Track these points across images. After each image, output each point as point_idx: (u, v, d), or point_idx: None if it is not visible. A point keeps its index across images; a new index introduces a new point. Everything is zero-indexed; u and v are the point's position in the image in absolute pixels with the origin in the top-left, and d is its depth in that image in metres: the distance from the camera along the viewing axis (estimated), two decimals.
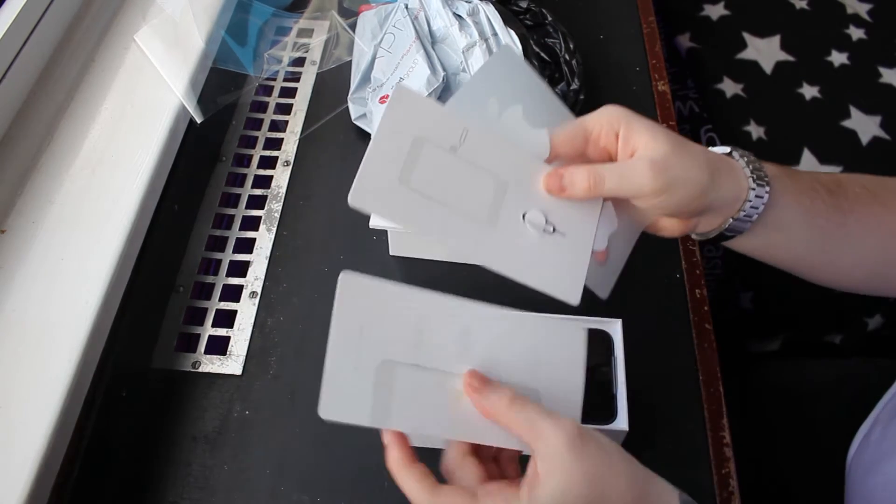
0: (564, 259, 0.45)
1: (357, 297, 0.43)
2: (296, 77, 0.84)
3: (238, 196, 0.73)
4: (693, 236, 0.49)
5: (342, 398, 0.40)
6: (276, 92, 0.83)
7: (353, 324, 0.42)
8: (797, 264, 0.52)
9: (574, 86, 0.75)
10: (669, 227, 0.48)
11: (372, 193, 0.41)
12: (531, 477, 0.39)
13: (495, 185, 0.44)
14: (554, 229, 0.45)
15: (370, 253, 0.68)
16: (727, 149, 0.48)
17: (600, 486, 0.38)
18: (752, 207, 0.45)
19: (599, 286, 0.51)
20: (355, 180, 0.41)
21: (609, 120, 0.44)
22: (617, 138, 0.44)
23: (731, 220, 0.46)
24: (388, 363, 0.41)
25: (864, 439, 0.62)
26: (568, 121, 0.47)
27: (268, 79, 0.82)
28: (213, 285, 0.67)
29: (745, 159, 0.46)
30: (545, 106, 0.48)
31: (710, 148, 0.47)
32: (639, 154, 0.43)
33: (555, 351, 0.44)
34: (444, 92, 0.75)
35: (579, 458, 0.38)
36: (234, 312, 0.65)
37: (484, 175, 0.44)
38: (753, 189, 0.45)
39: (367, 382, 0.41)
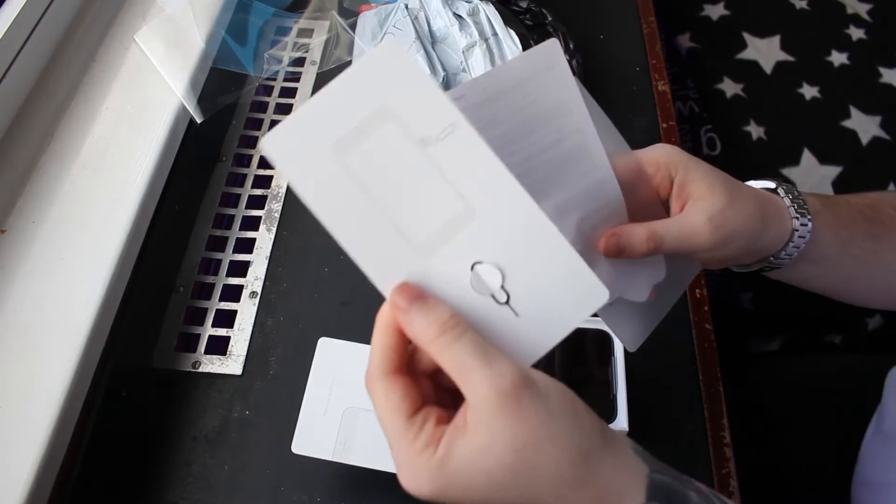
0: (505, 343, 0.34)
1: (331, 357, 0.54)
2: (296, 77, 0.84)
3: (238, 196, 0.73)
4: (732, 269, 0.50)
5: (311, 438, 0.51)
6: (276, 92, 0.83)
7: (325, 379, 0.53)
8: (829, 290, 0.52)
9: None
10: (710, 265, 0.48)
11: (292, 147, 0.32)
12: (457, 425, 0.32)
13: (458, 209, 0.33)
14: (508, 300, 0.34)
15: None
16: (771, 184, 0.48)
17: (531, 456, 0.31)
18: (793, 247, 0.45)
19: (630, 337, 0.49)
20: (281, 122, 0.32)
21: (667, 163, 0.43)
22: (671, 182, 0.44)
23: (771, 258, 0.46)
24: (352, 409, 0.52)
25: (868, 465, 0.61)
26: (621, 149, 0.45)
27: (268, 79, 0.82)
28: (213, 285, 0.67)
29: (790, 196, 0.46)
30: (602, 128, 0.44)
31: (753, 183, 0.47)
32: (695, 206, 0.43)
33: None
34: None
35: (509, 418, 0.31)
36: (234, 312, 0.65)
37: (448, 191, 0.33)
38: (797, 230, 0.45)
39: (333, 425, 0.52)
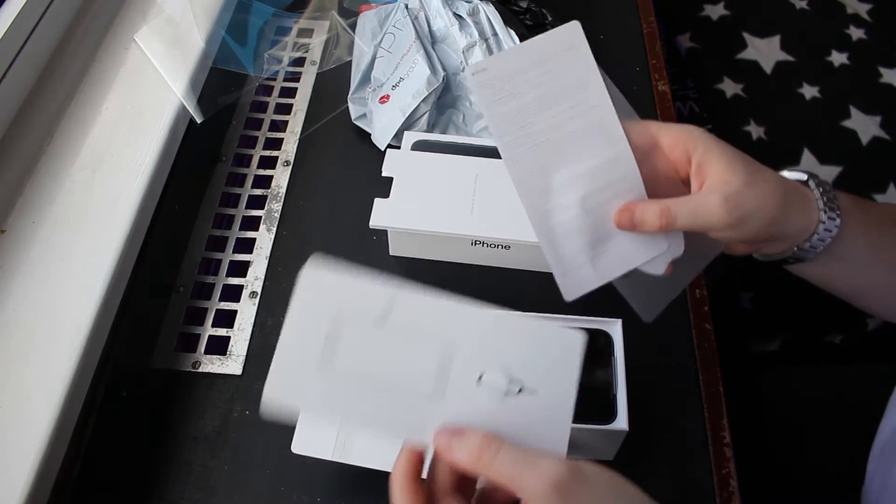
0: (539, 421, 0.38)
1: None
2: (296, 77, 0.84)
3: (238, 196, 0.73)
4: (756, 256, 0.49)
5: (311, 437, 0.44)
6: (276, 92, 0.83)
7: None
8: (856, 295, 0.51)
9: None
10: (733, 248, 0.48)
11: (289, 390, 0.37)
12: None
13: (439, 349, 0.38)
14: (521, 389, 0.38)
15: (370, 253, 0.68)
16: (804, 176, 0.48)
17: None
18: (818, 239, 0.45)
19: (647, 308, 0.50)
20: (268, 377, 0.37)
21: (687, 139, 0.44)
22: (689, 160, 0.44)
23: (796, 248, 0.46)
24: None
25: (886, 474, 0.60)
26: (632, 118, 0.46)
27: (268, 79, 0.82)
28: (213, 285, 0.67)
29: (821, 189, 0.46)
30: (620, 108, 0.46)
31: (787, 173, 0.47)
32: (711, 186, 0.43)
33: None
34: (444, 92, 0.75)
35: (568, 501, 0.33)
36: (234, 312, 0.65)
37: (423, 341, 0.38)
38: (823, 222, 0.45)
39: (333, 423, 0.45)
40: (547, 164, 0.43)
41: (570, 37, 0.44)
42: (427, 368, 0.38)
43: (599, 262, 0.45)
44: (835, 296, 0.53)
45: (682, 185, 0.46)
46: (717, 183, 0.43)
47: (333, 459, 0.50)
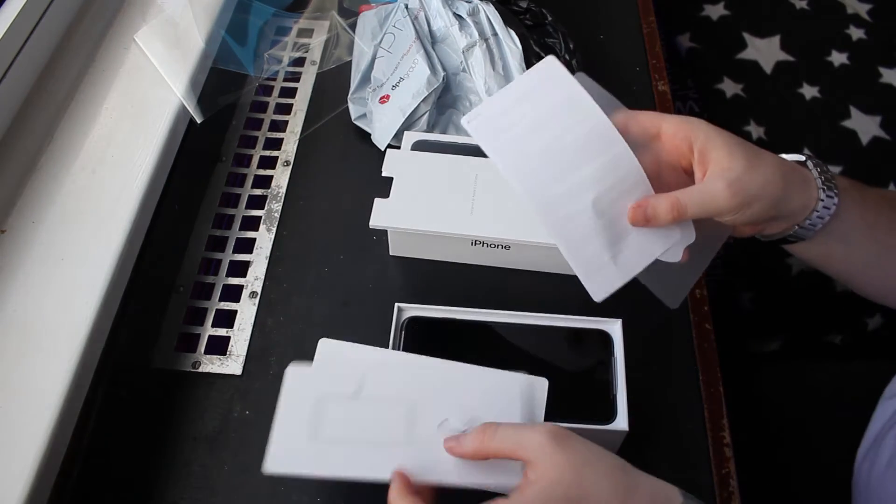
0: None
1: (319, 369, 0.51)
2: (296, 77, 0.84)
3: (238, 196, 0.73)
4: (758, 237, 0.51)
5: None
6: (276, 92, 0.83)
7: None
8: (853, 276, 0.53)
9: None
10: (740, 231, 0.50)
11: (288, 458, 0.45)
12: (521, 485, 0.40)
13: (406, 407, 0.46)
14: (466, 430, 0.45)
15: (370, 253, 0.68)
16: (801, 157, 0.50)
17: (589, 473, 0.39)
18: (818, 217, 0.47)
19: (670, 295, 0.53)
20: (268, 450, 0.45)
21: (688, 128, 0.46)
22: (691, 149, 0.46)
23: (796, 226, 0.48)
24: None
25: (874, 444, 0.61)
26: (619, 108, 0.48)
27: (268, 79, 0.82)
28: (213, 285, 0.67)
29: (819, 169, 0.48)
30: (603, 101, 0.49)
31: (785, 155, 0.49)
32: (714, 173, 0.45)
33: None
34: (444, 92, 0.75)
35: (564, 450, 0.39)
36: (234, 312, 0.65)
37: (393, 402, 0.46)
38: (822, 200, 0.47)
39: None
40: (552, 176, 0.46)
41: (547, 69, 0.47)
42: (397, 423, 0.46)
43: (620, 259, 0.47)
44: (834, 296, 0.53)
45: (684, 174, 0.48)
46: (720, 170, 0.45)
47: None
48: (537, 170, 0.46)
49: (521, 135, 0.46)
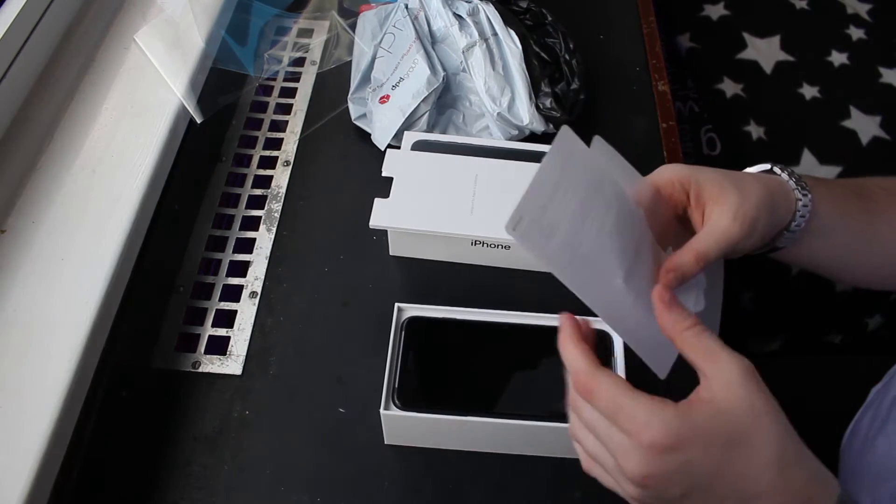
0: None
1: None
2: (296, 77, 0.84)
3: (238, 196, 0.73)
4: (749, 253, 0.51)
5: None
6: (276, 92, 0.83)
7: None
8: (835, 267, 0.55)
9: (574, 86, 0.75)
10: (736, 254, 0.50)
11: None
12: (690, 400, 0.39)
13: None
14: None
15: (370, 253, 0.68)
16: (767, 166, 0.51)
17: (767, 424, 0.37)
18: (801, 217, 0.48)
19: (661, 367, 0.50)
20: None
21: (679, 179, 0.47)
22: (687, 195, 0.47)
23: (785, 232, 0.49)
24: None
25: (855, 424, 0.63)
26: (636, 178, 0.48)
27: (268, 79, 0.82)
28: (213, 285, 0.67)
29: (787, 173, 0.50)
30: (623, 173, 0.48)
31: (750, 169, 0.51)
32: (716, 210, 0.46)
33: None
34: (444, 92, 0.75)
35: (753, 392, 0.38)
36: (234, 312, 0.65)
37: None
38: (800, 199, 0.48)
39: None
40: (604, 276, 0.45)
41: (565, 143, 0.44)
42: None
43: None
44: (834, 296, 0.54)
45: (677, 225, 0.49)
46: (717, 206, 0.46)
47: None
48: (593, 269, 0.45)
49: (569, 236, 0.43)
